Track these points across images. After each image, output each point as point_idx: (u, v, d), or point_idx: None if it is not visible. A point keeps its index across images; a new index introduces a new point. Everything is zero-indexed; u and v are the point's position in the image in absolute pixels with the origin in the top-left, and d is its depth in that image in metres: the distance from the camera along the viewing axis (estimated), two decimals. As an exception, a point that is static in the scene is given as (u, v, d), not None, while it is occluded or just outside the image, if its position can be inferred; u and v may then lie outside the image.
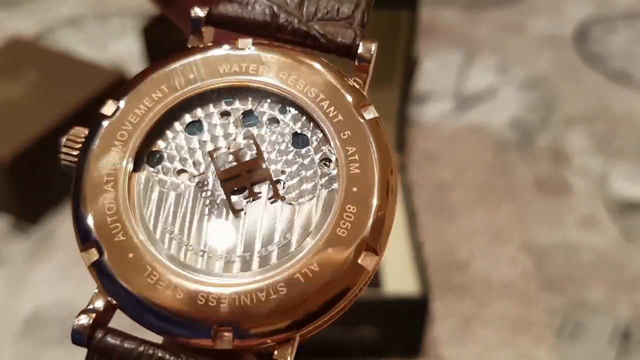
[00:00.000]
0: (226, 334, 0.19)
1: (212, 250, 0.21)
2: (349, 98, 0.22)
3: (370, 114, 0.22)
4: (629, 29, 1.06)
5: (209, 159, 0.22)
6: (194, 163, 0.22)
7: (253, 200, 0.21)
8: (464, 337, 0.66)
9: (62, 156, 0.22)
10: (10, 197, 0.77)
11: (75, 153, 0.22)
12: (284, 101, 0.22)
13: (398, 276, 0.63)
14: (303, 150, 0.22)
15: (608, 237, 0.75)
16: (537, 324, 0.66)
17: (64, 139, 0.22)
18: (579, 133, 0.88)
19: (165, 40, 0.80)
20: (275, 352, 0.20)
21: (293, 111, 0.22)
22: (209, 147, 0.22)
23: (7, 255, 0.75)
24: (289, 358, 0.20)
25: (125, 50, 1.02)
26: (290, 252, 0.20)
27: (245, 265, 0.20)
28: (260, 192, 0.21)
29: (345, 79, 0.22)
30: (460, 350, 0.65)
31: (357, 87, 0.22)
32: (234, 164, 0.22)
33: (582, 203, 0.79)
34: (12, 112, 0.79)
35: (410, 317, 0.62)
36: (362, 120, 0.21)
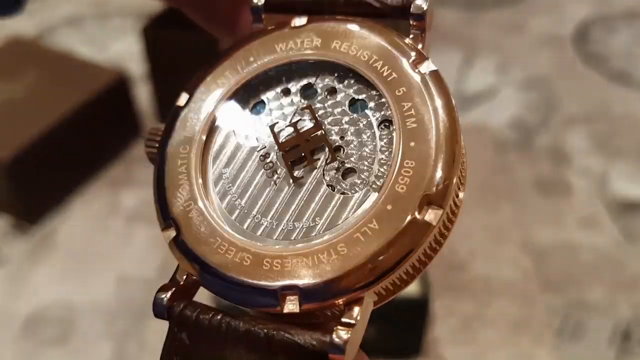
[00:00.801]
0: (292, 297, 0.20)
1: (277, 219, 0.22)
2: (403, 55, 0.22)
3: (427, 67, 0.21)
4: (629, 29, 1.06)
5: (271, 133, 0.23)
6: (257, 140, 0.23)
7: (312, 168, 0.22)
8: (464, 337, 0.66)
9: (147, 150, 0.24)
10: (10, 197, 0.77)
11: (155, 145, 0.23)
12: (339, 69, 0.23)
13: (398, 276, 0.63)
14: (361, 115, 0.22)
15: (608, 237, 0.75)
16: (537, 324, 0.66)
17: (146, 134, 0.24)
18: (579, 133, 0.88)
19: (165, 40, 0.80)
20: (344, 314, 0.20)
21: (350, 78, 0.23)
22: (270, 122, 0.23)
23: (7, 255, 0.75)
24: (356, 318, 0.19)
25: (125, 50, 1.02)
26: (349, 214, 0.21)
27: (307, 231, 0.21)
28: (319, 159, 0.22)
29: (399, 37, 0.22)
30: (460, 350, 0.65)
31: (412, 44, 0.22)
32: (294, 135, 0.22)
33: (582, 203, 0.79)
34: (12, 112, 0.79)
35: (410, 317, 0.62)
36: (417, 75, 0.21)
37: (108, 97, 0.81)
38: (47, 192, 0.79)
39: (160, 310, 0.21)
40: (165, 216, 0.22)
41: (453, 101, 0.21)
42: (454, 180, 0.20)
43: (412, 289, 0.62)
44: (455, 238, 0.83)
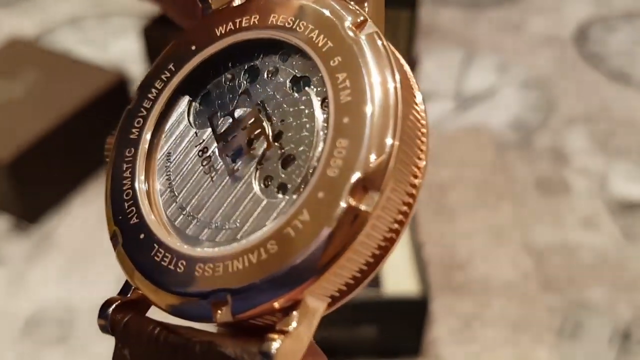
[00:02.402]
0: (223, 305, 0.18)
1: (210, 216, 0.20)
2: (339, 20, 0.19)
3: (365, 30, 0.19)
4: (629, 29, 1.06)
5: (209, 125, 0.21)
6: (196, 134, 0.22)
7: (250, 159, 0.20)
8: (464, 337, 0.66)
9: (105, 153, 0.23)
10: (10, 197, 0.77)
11: (109, 151, 0.22)
12: (280, 46, 0.21)
13: (398, 276, 0.63)
14: (303, 94, 0.20)
15: (608, 237, 0.75)
16: (537, 324, 0.66)
17: (107, 140, 0.23)
18: (579, 133, 0.88)
19: (165, 40, 0.80)
20: (279, 322, 0.17)
21: (293, 54, 0.20)
22: (210, 113, 0.22)
23: (7, 255, 0.75)
24: (291, 325, 0.17)
25: (125, 50, 1.02)
26: (280, 209, 0.19)
27: (240, 230, 0.19)
28: (256, 149, 0.20)
29: (338, 1, 0.20)
30: (460, 350, 0.65)
31: (354, 7, 0.20)
32: (231, 124, 0.21)
33: (582, 203, 0.79)
34: (12, 112, 0.79)
35: (410, 317, 0.62)
36: (353, 40, 0.18)
37: (108, 97, 0.81)
38: (47, 192, 0.79)
39: (105, 328, 0.20)
40: (111, 226, 0.21)
41: (401, 61, 0.19)
42: (393, 157, 0.17)
43: (412, 289, 0.62)
44: (455, 238, 0.83)
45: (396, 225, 0.18)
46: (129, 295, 0.20)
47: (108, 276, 0.69)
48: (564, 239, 0.75)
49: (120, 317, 0.20)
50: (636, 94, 0.94)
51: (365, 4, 0.20)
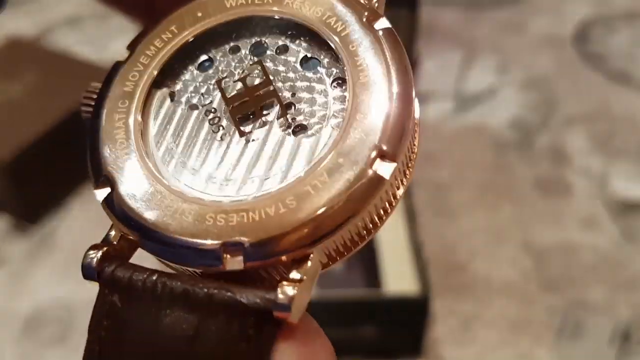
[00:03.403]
0: (235, 253, 0.18)
1: (221, 173, 0.21)
2: (357, 12, 0.21)
3: (381, 24, 0.21)
4: (629, 29, 1.06)
5: (217, 88, 0.22)
6: (203, 95, 0.22)
7: (261, 124, 0.21)
8: (464, 337, 0.66)
9: (82, 109, 0.22)
10: (10, 197, 0.77)
11: (92, 103, 0.22)
12: (291, 27, 0.22)
13: (398, 276, 0.63)
14: (313, 72, 0.21)
15: (608, 237, 0.75)
16: (537, 324, 0.66)
17: (83, 93, 0.23)
18: (579, 133, 0.88)
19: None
20: (290, 273, 0.18)
21: (302, 36, 0.22)
22: (217, 78, 0.22)
23: (7, 255, 0.75)
24: (303, 276, 0.18)
25: (125, 50, 1.02)
26: (299, 169, 0.20)
27: (253, 185, 0.20)
28: (268, 115, 0.21)
29: None
30: (460, 350, 0.65)
31: (367, 2, 0.22)
32: (242, 90, 0.22)
33: (582, 203, 0.79)
34: (12, 112, 0.79)
35: (410, 317, 0.62)
36: (371, 31, 0.21)
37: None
38: (47, 192, 0.79)
39: (89, 272, 0.20)
40: (99, 172, 0.21)
41: (407, 58, 0.21)
42: (408, 135, 0.19)
43: (412, 289, 0.62)
44: (455, 238, 0.83)
45: (394, 199, 0.20)
46: (114, 243, 0.20)
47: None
48: (564, 239, 0.75)
49: (107, 264, 0.19)
50: (636, 94, 0.94)
51: (376, 3, 0.22)
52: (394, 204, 0.20)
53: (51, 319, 0.68)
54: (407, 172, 0.20)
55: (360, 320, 0.62)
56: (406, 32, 0.70)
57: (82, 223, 0.78)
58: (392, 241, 0.66)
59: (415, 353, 0.64)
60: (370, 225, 0.19)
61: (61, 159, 0.80)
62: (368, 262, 0.64)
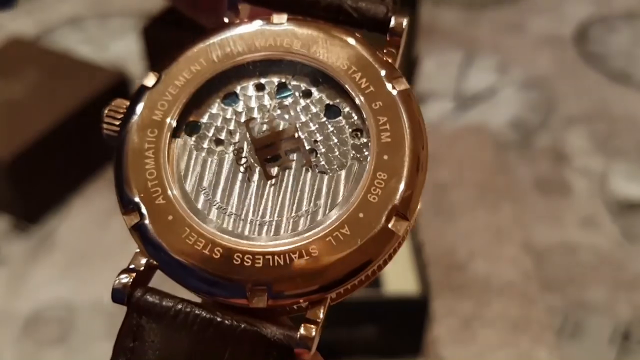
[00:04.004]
0: (260, 292, 0.20)
1: (247, 214, 0.22)
2: (380, 70, 0.22)
3: (402, 85, 0.22)
4: (629, 29, 1.06)
5: (245, 128, 0.23)
6: (230, 132, 0.23)
7: (286, 167, 0.22)
8: (464, 337, 0.66)
9: (105, 126, 0.23)
10: (10, 197, 0.77)
11: (117, 123, 0.23)
12: (316, 74, 0.23)
13: (398, 276, 0.63)
14: (335, 121, 0.23)
15: (608, 237, 0.75)
16: (537, 324, 0.66)
17: (106, 110, 0.23)
18: (579, 133, 0.88)
19: (165, 40, 0.80)
20: (308, 312, 0.20)
21: (326, 83, 0.23)
22: (244, 117, 0.23)
23: (7, 255, 0.75)
24: (320, 317, 0.20)
25: (125, 50, 1.02)
26: (319, 219, 0.21)
27: (277, 229, 0.21)
28: (293, 160, 0.22)
29: (377, 52, 0.23)
30: (460, 350, 0.65)
31: (389, 60, 0.23)
32: (269, 133, 0.22)
33: (582, 203, 0.79)
34: (12, 112, 0.79)
35: (410, 317, 0.62)
36: (393, 92, 0.22)
37: (108, 97, 0.81)
38: (47, 192, 0.79)
39: (119, 296, 0.21)
40: (128, 200, 0.22)
41: (422, 119, 0.22)
42: (419, 199, 0.21)
43: (412, 289, 0.62)
44: (455, 238, 0.83)
45: (397, 249, 0.22)
46: (140, 269, 0.21)
47: (108, 276, 0.69)
48: (564, 239, 0.75)
49: (135, 288, 0.21)
50: (636, 94, 0.94)
51: (397, 59, 0.23)
52: (398, 248, 0.21)
53: (51, 319, 0.68)
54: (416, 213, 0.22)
55: (360, 320, 0.62)
56: (406, 32, 0.70)
57: (82, 223, 0.78)
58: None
59: (415, 353, 0.64)
60: (378, 268, 0.21)
61: (61, 159, 0.80)
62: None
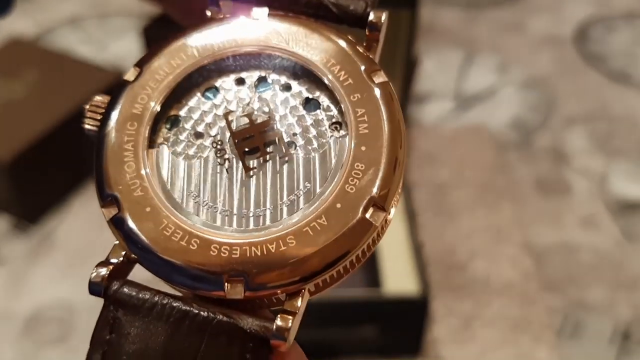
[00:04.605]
0: (237, 283, 0.20)
1: (224, 206, 0.22)
2: (359, 63, 0.23)
3: (380, 78, 0.22)
4: (629, 29, 1.06)
5: (224, 121, 0.23)
6: (209, 125, 0.23)
7: (265, 160, 0.22)
8: (464, 337, 0.66)
9: (86, 121, 0.23)
10: (10, 197, 0.77)
11: (98, 118, 0.23)
12: (296, 67, 0.23)
13: (398, 276, 0.63)
14: (314, 113, 0.23)
15: (608, 237, 0.75)
16: (537, 324, 0.66)
17: (87, 106, 0.23)
18: (579, 133, 0.88)
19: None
20: (285, 304, 0.20)
21: (305, 77, 0.23)
22: (224, 110, 0.23)
23: (7, 255, 0.75)
24: (298, 308, 0.20)
25: (125, 50, 1.02)
26: (297, 210, 0.21)
27: (257, 221, 0.21)
28: (272, 152, 0.22)
29: (357, 46, 0.23)
30: (460, 350, 0.65)
31: (368, 54, 0.23)
32: (248, 125, 0.23)
33: (582, 203, 0.79)
34: (12, 112, 0.79)
35: (410, 317, 0.62)
36: (371, 84, 0.22)
37: (108, 97, 0.81)
38: (47, 192, 0.79)
39: (96, 288, 0.21)
40: (106, 192, 0.22)
41: (400, 111, 0.22)
42: (397, 190, 0.21)
43: (412, 289, 0.62)
44: (455, 238, 0.82)
45: (376, 241, 0.22)
46: (118, 262, 0.21)
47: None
48: (564, 239, 0.75)
49: (113, 281, 0.21)
50: (636, 94, 0.94)
51: (376, 53, 0.24)
52: (377, 241, 0.22)
53: (51, 319, 0.68)
54: (396, 202, 0.22)
55: (360, 320, 0.62)
56: (406, 32, 0.70)
57: (82, 223, 0.78)
58: (392, 241, 0.66)
59: (415, 353, 0.64)
60: (357, 260, 0.21)
61: (61, 159, 0.80)
62: (368, 262, 0.64)
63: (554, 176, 0.82)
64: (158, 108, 0.23)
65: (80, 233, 0.76)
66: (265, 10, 0.24)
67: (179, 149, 0.23)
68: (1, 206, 0.79)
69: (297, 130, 0.23)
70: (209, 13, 0.25)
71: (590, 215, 0.77)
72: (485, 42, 1.04)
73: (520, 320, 0.67)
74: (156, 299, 0.20)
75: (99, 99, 0.23)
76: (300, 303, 0.20)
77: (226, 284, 0.20)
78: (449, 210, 0.78)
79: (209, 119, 0.23)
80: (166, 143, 0.23)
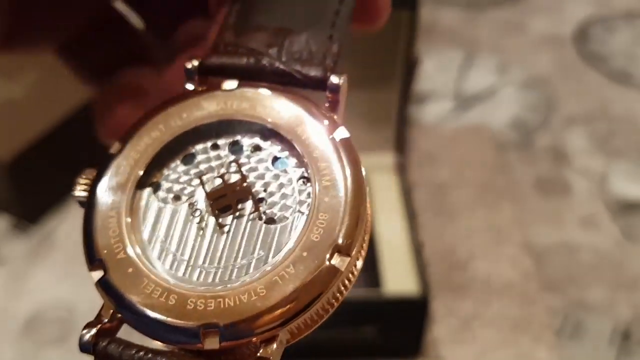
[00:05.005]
0: (213, 334, 0.21)
1: (199, 261, 0.23)
2: (319, 122, 0.25)
3: (341, 134, 0.24)
4: (629, 29, 1.06)
5: (200, 183, 0.25)
6: (187, 189, 0.25)
7: (238, 217, 0.24)
8: (464, 337, 0.66)
9: (75, 193, 0.25)
10: (10, 197, 0.77)
11: (85, 189, 0.25)
12: (264, 130, 0.25)
13: (398, 276, 0.63)
14: (282, 171, 0.25)
15: (608, 237, 0.75)
16: (537, 324, 0.66)
17: (77, 179, 0.26)
18: (579, 133, 0.88)
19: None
20: (261, 351, 0.22)
21: (273, 138, 0.25)
22: (200, 173, 0.25)
23: (7, 255, 0.75)
24: (274, 354, 0.21)
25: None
26: (267, 262, 0.23)
27: (230, 275, 0.23)
28: (244, 209, 0.24)
29: (317, 107, 0.25)
30: (460, 350, 0.65)
31: (328, 112, 0.26)
32: (221, 185, 0.25)
33: (582, 203, 0.79)
34: (12, 112, 0.79)
35: (410, 317, 0.62)
36: (330, 140, 0.24)
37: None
38: (47, 192, 0.79)
39: (85, 347, 0.23)
40: (92, 257, 0.24)
41: (362, 167, 0.24)
42: (362, 231, 0.23)
43: (412, 289, 0.62)
44: (455, 238, 0.83)
45: (343, 288, 0.23)
46: (106, 321, 0.23)
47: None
48: (564, 239, 0.75)
49: (101, 339, 0.23)
50: (636, 94, 0.94)
51: (335, 115, 0.26)
52: (352, 279, 0.23)
53: (51, 319, 0.68)
54: (362, 251, 0.24)
55: (360, 320, 0.62)
56: (406, 32, 0.70)
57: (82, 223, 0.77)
58: (392, 241, 0.66)
59: (415, 353, 0.64)
60: (329, 305, 0.23)
61: (61, 159, 0.80)
62: (368, 262, 0.64)
63: (554, 176, 0.82)
64: (141, 173, 0.25)
65: (80, 233, 0.76)
66: (235, 81, 0.26)
67: (160, 211, 0.25)
68: (1, 206, 0.79)
69: (270, 188, 0.25)
70: (190, 86, 0.27)
71: (590, 215, 0.77)
72: (485, 42, 1.04)
73: (520, 320, 0.67)
74: (140, 354, 0.22)
75: (86, 171, 0.26)
76: (275, 347, 0.22)
77: (202, 335, 0.21)
78: (449, 210, 0.78)
79: (188, 183, 0.25)
80: (150, 203, 0.25)
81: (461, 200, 0.79)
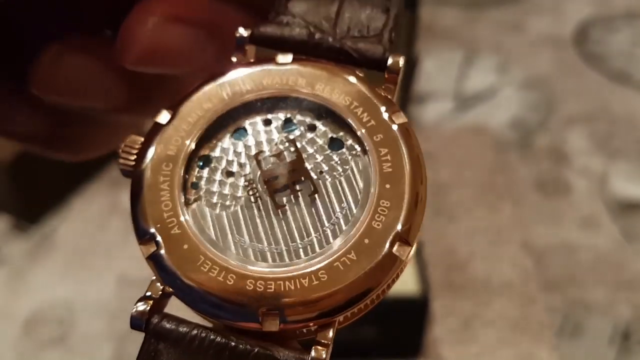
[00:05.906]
0: (273, 317, 0.21)
1: (258, 242, 0.23)
2: (380, 105, 0.24)
3: (400, 119, 0.24)
4: (629, 29, 1.06)
5: (254, 161, 0.24)
6: (240, 165, 0.24)
7: (294, 197, 0.23)
8: (464, 337, 0.66)
9: (121, 161, 0.24)
10: (10, 197, 0.77)
11: (132, 158, 0.24)
12: (320, 109, 0.25)
13: (398, 276, 0.63)
14: (339, 152, 0.24)
15: (608, 237, 0.75)
16: (537, 324, 0.66)
17: (121, 146, 0.24)
18: (579, 133, 0.88)
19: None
20: (318, 335, 0.21)
21: (329, 118, 0.25)
22: (254, 150, 0.24)
23: (7, 255, 0.75)
24: (330, 339, 0.21)
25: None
26: (327, 245, 0.23)
27: (288, 256, 0.23)
28: (300, 190, 0.24)
29: (376, 89, 0.25)
30: (460, 350, 0.65)
31: (387, 95, 0.25)
32: (276, 164, 0.24)
33: (582, 203, 0.79)
34: (12, 112, 0.79)
35: (410, 317, 0.62)
36: (393, 125, 0.24)
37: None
38: (47, 192, 0.79)
39: (137, 322, 0.22)
40: (144, 230, 0.23)
41: (420, 150, 0.24)
42: (419, 224, 0.23)
43: (412, 288, 0.62)
44: (455, 238, 0.83)
45: (399, 275, 0.23)
46: (157, 296, 0.22)
47: (108, 276, 0.69)
48: (564, 239, 0.75)
49: (153, 315, 0.22)
50: (636, 94, 0.94)
51: (394, 94, 0.25)
52: (397, 279, 0.23)
53: (51, 319, 0.68)
54: (415, 244, 0.23)
55: (360, 320, 0.62)
56: (406, 32, 0.70)
57: (82, 223, 0.78)
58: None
59: (415, 353, 0.64)
60: (382, 294, 0.23)
61: (61, 159, 0.80)
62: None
63: (554, 176, 0.82)
64: (193, 146, 0.24)
65: (80, 233, 0.76)
66: (289, 55, 0.25)
67: (214, 199, 0.24)
68: (1, 206, 0.79)
69: (324, 168, 0.24)
70: (234, 59, 0.26)
71: (590, 216, 0.77)
72: (485, 42, 1.04)
73: (520, 320, 0.67)
74: (195, 332, 0.21)
75: (132, 138, 0.24)
76: (331, 334, 0.22)
77: (262, 317, 0.21)
78: (449, 210, 0.78)
79: (240, 158, 0.24)
80: (201, 194, 0.24)
81: (461, 200, 0.79)
